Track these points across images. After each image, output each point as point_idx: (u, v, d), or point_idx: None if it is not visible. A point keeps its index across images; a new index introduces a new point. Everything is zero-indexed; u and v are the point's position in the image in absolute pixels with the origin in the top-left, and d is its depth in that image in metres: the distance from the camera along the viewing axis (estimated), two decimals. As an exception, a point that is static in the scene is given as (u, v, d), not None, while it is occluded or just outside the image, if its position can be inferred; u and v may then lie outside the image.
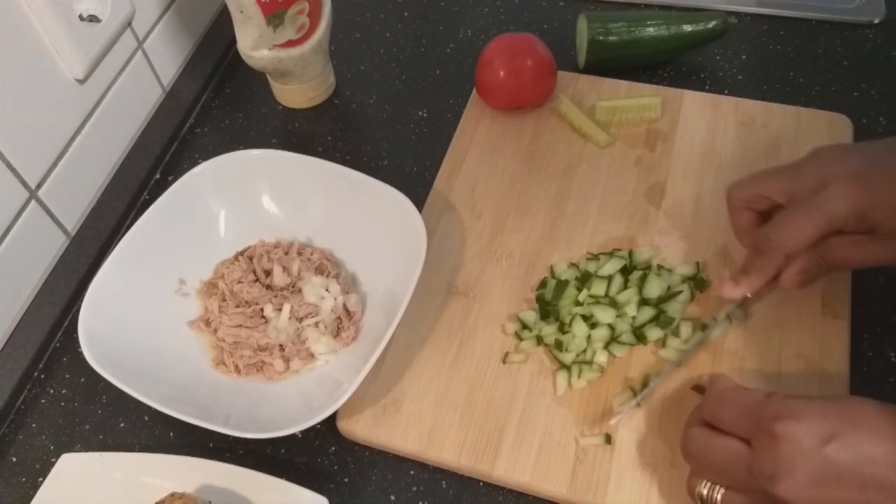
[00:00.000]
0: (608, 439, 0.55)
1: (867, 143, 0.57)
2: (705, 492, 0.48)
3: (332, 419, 0.56)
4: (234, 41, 0.73)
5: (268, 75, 0.78)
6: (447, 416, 0.57)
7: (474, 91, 0.76)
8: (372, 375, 0.58)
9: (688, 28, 0.75)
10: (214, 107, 0.82)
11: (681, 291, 0.60)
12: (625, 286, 0.60)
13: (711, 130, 0.71)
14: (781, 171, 0.55)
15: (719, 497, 0.48)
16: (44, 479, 0.55)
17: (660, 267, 0.62)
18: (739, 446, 0.46)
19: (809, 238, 0.52)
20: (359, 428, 0.57)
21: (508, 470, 0.54)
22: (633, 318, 0.59)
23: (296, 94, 0.78)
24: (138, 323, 0.60)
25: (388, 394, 0.58)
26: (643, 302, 0.59)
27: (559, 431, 0.55)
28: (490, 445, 0.55)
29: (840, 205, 0.51)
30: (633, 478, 0.53)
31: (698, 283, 0.61)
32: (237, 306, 0.63)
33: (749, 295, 0.56)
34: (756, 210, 0.56)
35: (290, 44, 0.72)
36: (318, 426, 0.55)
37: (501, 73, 0.71)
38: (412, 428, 0.56)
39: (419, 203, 0.62)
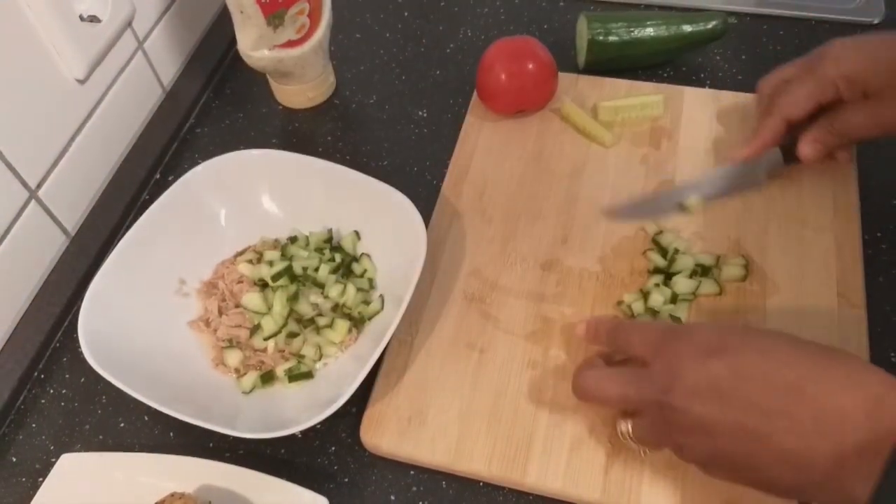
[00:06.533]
0: None
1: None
2: (622, 428, 0.51)
3: (332, 420, 0.56)
4: (234, 41, 0.73)
5: (268, 75, 0.78)
6: (474, 426, 0.56)
7: (475, 95, 0.75)
8: (394, 388, 0.58)
9: (688, 28, 0.75)
10: (214, 107, 0.82)
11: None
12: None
13: (715, 125, 0.71)
14: (800, 59, 0.62)
15: (630, 428, 0.50)
16: (44, 479, 0.55)
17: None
18: (633, 368, 0.50)
19: (804, 100, 0.59)
20: (384, 442, 0.56)
21: (540, 477, 0.53)
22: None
23: (296, 94, 0.78)
24: (138, 323, 0.60)
25: (411, 406, 0.57)
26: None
27: (588, 434, 0.55)
28: (520, 453, 0.54)
29: (829, 69, 0.58)
30: (666, 477, 0.52)
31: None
32: (237, 306, 0.63)
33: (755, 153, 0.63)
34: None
35: (290, 44, 0.72)
36: (318, 426, 0.55)
37: (503, 77, 0.70)
38: (439, 440, 0.55)
39: (420, 203, 0.61)
